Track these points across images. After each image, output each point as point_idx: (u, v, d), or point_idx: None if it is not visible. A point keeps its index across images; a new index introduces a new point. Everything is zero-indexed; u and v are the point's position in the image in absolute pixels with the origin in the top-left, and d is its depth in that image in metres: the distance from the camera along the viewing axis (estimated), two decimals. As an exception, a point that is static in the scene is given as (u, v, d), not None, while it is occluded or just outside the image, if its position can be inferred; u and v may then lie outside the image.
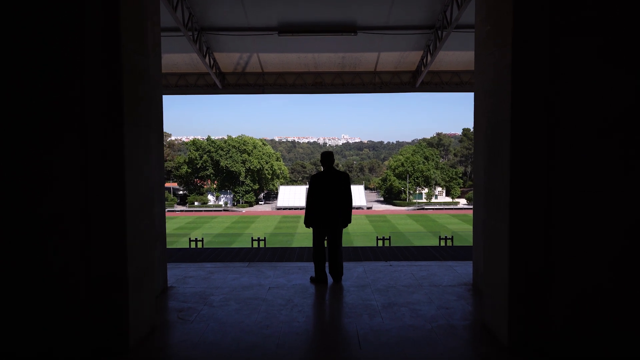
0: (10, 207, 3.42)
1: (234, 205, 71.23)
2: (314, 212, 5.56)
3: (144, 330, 3.83)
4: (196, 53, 11.81)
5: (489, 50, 3.93)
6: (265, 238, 20.71)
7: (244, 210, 67.30)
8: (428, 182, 72.10)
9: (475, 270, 5.35)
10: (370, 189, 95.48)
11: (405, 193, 72.48)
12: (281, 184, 77.26)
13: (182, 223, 49.90)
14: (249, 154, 71.86)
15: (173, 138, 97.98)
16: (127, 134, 3.51)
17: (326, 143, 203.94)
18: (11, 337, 3.46)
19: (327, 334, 4.01)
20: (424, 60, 13.29)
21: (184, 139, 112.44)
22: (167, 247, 6.01)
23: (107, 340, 3.52)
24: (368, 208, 67.20)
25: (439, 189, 73.82)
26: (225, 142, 73.41)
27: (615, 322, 3.42)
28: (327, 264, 5.67)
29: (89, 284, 3.49)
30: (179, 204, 72.69)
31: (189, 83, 14.63)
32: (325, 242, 5.71)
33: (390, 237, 19.87)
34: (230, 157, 70.72)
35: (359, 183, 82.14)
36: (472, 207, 6.65)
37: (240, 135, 75.40)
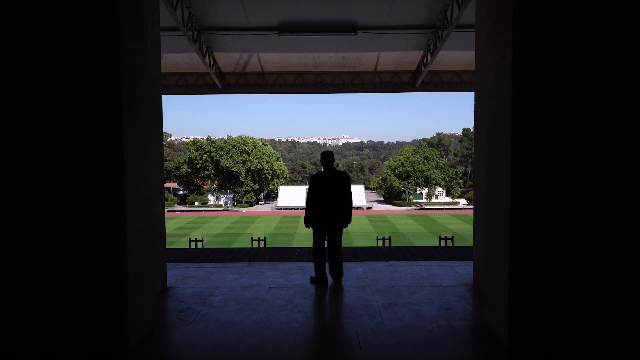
0: (10, 207, 3.42)
1: (234, 205, 71.23)
2: (314, 212, 5.55)
3: (143, 330, 3.83)
4: (196, 53, 11.81)
5: (489, 50, 3.93)
6: (265, 238, 20.70)
7: (244, 210, 67.30)
8: (428, 182, 72.09)
9: (476, 270, 5.34)
10: (371, 189, 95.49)
11: (405, 193, 72.47)
12: (281, 184, 77.27)
13: (182, 223, 49.90)
14: (249, 154, 71.86)
15: (173, 138, 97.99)
16: (127, 133, 3.50)
17: (326, 143, 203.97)
18: (11, 337, 3.46)
19: (327, 334, 4.00)
20: (424, 60, 13.28)
21: (184, 139, 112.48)
22: (167, 247, 6.00)
23: (106, 340, 3.52)
24: (368, 208, 67.21)
25: (439, 189, 73.81)
26: (225, 142, 73.41)
27: (615, 322, 3.42)
28: (327, 264, 5.67)
29: (89, 284, 3.48)
30: (179, 204, 72.69)
31: (188, 83, 14.63)
32: (325, 242, 5.71)
33: (390, 237, 19.86)
34: (231, 157, 70.72)
35: (359, 183, 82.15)
36: (472, 207, 6.63)
37: (240, 135, 75.44)
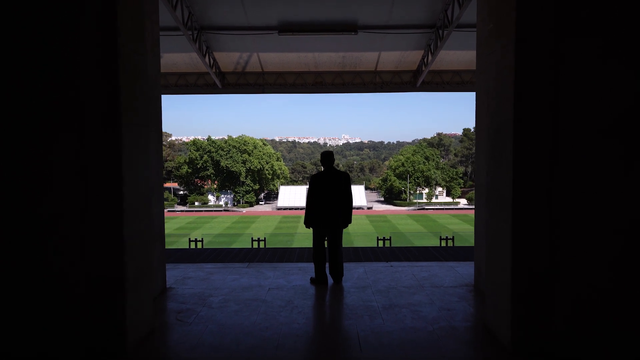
0: (10, 207, 3.41)
1: (234, 205, 71.24)
2: (314, 212, 5.54)
3: (142, 331, 3.81)
4: (196, 52, 11.79)
5: (490, 49, 3.91)
6: (265, 238, 20.66)
7: (244, 210, 67.30)
8: (428, 182, 72.07)
9: (477, 271, 5.32)
10: (371, 189, 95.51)
11: (405, 193, 72.45)
12: (281, 184, 77.26)
13: (182, 223, 49.90)
14: (249, 154, 71.87)
15: (173, 138, 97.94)
16: (126, 133, 3.49)
17: (326, 143, 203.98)
18: (11, 337, 3.45)
19: (327, 335, 3.99)
20: (425, 60, 13.26)
21: (184, 139, 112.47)
22: (167, 247, 5.99)
23: (105, 340, 3.50)
24: (368, 208, 67.20)
25: (440, 189, 73.80)
26: (225, 142, 73.40)
27: (615, 322, 3.41)
28: (327, 265, 5.65)
29: (88, 284, 3.47)
30: (179, 204, 72.70)
31: (188, 83, 14.61)
32: (326, 242, 5.69)
33: (390, 237, 19.80)
34: (231, 157, 70.73)
35: (360, 183, 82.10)
36: (472, 207, 6.63)
37: (240, 135, 75.43)
